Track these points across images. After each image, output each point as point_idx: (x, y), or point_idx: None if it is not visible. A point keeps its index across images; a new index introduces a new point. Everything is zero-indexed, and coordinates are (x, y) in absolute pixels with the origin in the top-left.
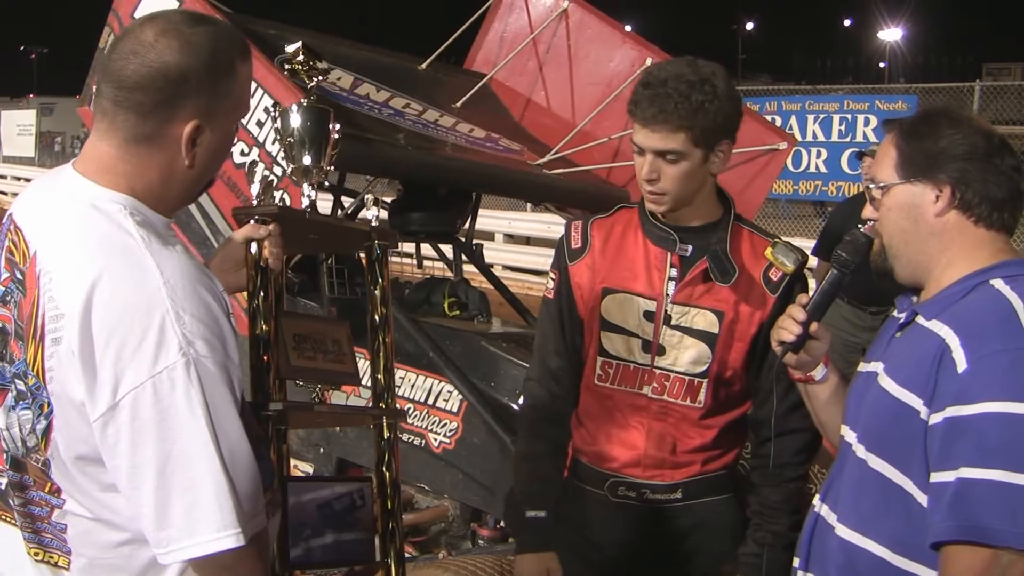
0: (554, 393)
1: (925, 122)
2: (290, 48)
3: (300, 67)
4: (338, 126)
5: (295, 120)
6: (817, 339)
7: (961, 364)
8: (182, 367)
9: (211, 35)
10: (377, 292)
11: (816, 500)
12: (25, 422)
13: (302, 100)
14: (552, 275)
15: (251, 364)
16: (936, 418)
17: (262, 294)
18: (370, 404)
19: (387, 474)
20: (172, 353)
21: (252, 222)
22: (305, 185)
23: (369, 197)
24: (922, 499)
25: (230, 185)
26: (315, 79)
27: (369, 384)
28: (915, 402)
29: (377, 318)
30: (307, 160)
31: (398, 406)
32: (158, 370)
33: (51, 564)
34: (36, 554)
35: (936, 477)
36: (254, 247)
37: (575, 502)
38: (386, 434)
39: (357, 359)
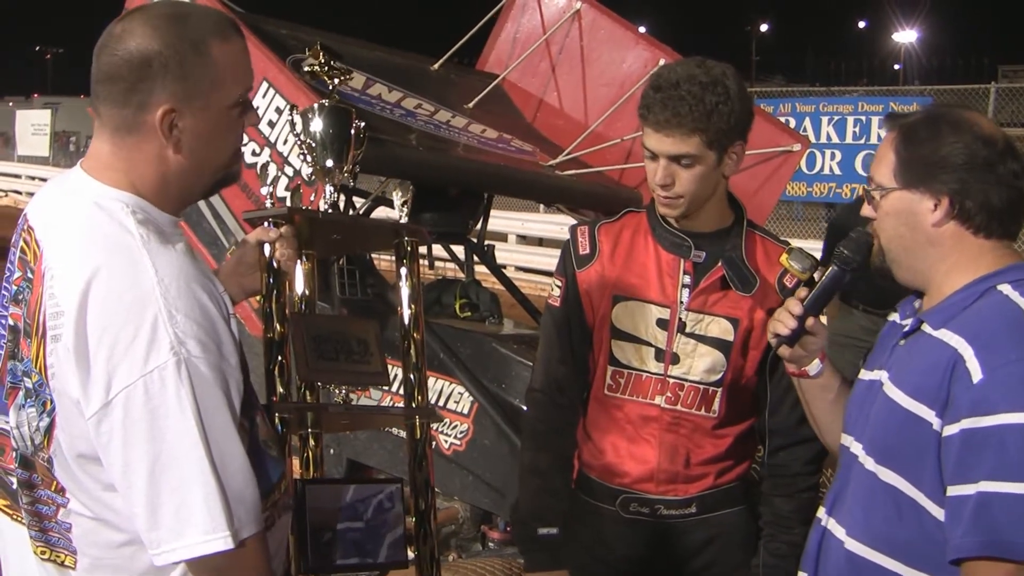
0: (560, 404)
1: (926, 126)
2: (309, 50)
3: (320, 68)
4: (363, 124)
5: (317, 121)
6: (813, 334)
7: (976, 374)
8: (172, 366)
9: (177, 18)
10: (407, 289)
11: (821, 512)
12: (32, 420)
13: (324, 101)
14: (558, 282)
15: (264, 366)
16: (951, 429)
17: (274, 296)
18: (382, 403)
19: (419, 475)
20: (163, 352)
21: (264, 224)
22: (327, 186)
23: (397, 193)
24: (935, 511)
25: (241, 185)
26: (335, 80)
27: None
28: (926, 413)
29: (407, 316)
30: (329, 161)
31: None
32: (149, 369)
33: (57, 563)
34: (43, 553)
35: (954, 491)
36: (267, 249)
37: (584, 518)
38: (418, 434)
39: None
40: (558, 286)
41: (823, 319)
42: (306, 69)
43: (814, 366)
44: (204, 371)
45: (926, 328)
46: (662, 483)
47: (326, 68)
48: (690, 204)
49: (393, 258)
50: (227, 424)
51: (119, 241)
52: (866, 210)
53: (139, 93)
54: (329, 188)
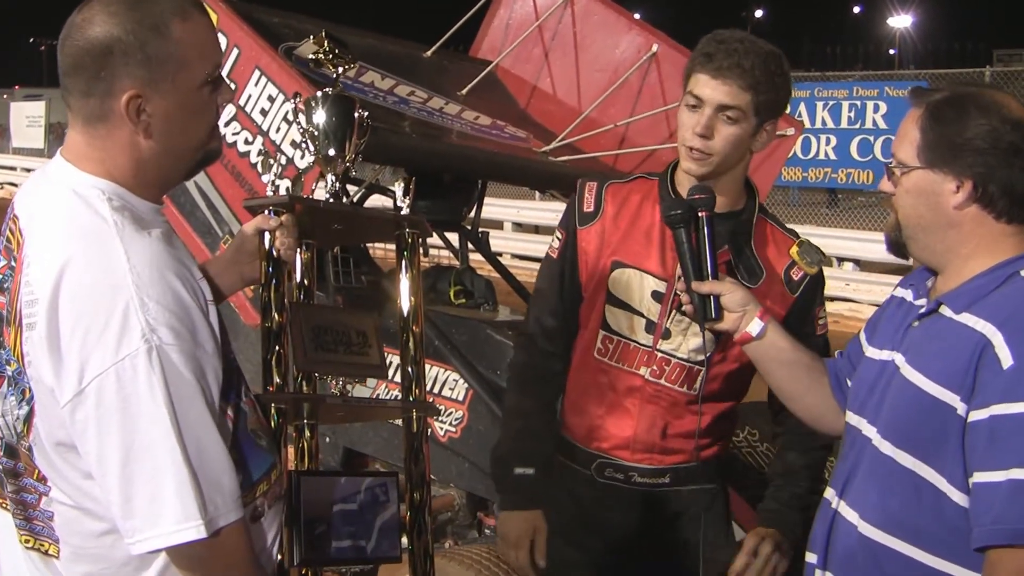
0: (546, 351)
1: (953, 106)
2: (314, 38)
3: (325, 55)
4: (366, 114)
5: (320, 110)
6: (720, 293)
7: (1007, 360)
8: (144, 354)
9: (135, 1)
10: (408, 281)
11: (830, 495)
12: (13, 408)
13: (327, 89)
14: (559, 234)
15: (262, 356)
16: (979, 415)
17: (273, 285)
18: (378, 390)
19: (415, 469)
20: (134, 340)
21: (264, 213)
22: (329, 175)
23: (399, 184)
24: (956, 497)
25: (235, 174)
26: (339, 68)
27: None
28: (950, 398)
29: (407, 308)
30: (331, 150)
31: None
32: (120, 357)
33: (41, 552)
34: (27, 541)
35: (981, 477)
36: (266, 238)
37: (562, 482)
38: (415, 428)
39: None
40: (558, 239)
41: None
42: (311, 57)
43: (754, 325)
44: (176, 358)
45: (945, 311)
46: (637, 451)
47: (331, 56)
48: (719, 163)
49: (387, 246)
50: (202, 412)
51: (93, 229)
52: (884, 185)
53: (103, 81)
54: (331, 177)
